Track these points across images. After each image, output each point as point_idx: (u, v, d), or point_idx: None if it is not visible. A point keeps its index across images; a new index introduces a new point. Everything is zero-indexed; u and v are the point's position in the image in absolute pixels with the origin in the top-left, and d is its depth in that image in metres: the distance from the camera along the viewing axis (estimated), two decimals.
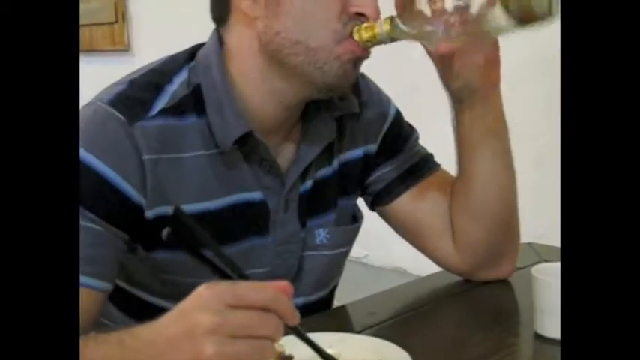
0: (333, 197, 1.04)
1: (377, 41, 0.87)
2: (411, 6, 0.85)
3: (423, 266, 1.10)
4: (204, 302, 0.64)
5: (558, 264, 0.88)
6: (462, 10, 0.82)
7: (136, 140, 0.87)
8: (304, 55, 0.89)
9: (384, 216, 1.10)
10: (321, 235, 1.01)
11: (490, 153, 0.98)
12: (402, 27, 0.86)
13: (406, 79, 1.94)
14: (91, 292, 0.84)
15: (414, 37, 0.87)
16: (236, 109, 0.91)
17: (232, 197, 0.93)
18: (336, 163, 1.03)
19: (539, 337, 0.86)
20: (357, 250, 1.12)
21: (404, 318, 0.96)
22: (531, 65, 1.77)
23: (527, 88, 1.76)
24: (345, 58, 0.89)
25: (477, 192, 1.00)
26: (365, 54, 0.90)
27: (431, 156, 1.10)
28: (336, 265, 1.05)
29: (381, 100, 1.08)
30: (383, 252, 2.09)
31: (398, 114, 1.09)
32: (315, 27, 0.88)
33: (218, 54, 0.93)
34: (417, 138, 1.11)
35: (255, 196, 0.95)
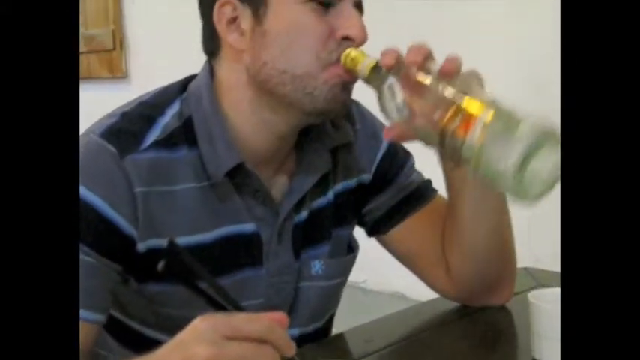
0: (327, 228, 1.03)
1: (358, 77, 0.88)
2: (408, 71, 0.83)
3: (421, 291, 1.10)
4: (201, 334, 0.64)
5: (555, 289, 0.88)
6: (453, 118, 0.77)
7: (127, 173, 0.87)
8: (291, 84, 0.90)
9: (382, 243, 1.10)
10: (317, 266, 1.01)
11: (479, 194, 0.97)
12: (383, 82, 0.85)
13: None
14: (84, 324, 0.84)
15: (382, 100, 0.85)
16: (227, 141, 0.92)
17: (224, 229, 0.93)
18: (331, 194, 1.02)
19: None
20: (355, 275, 1.12)
21: (401, 345, 0.96)
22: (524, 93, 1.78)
23: None
24: (332, 82, 0.89)
25: (466, 231, 1.00)
26: (353, 78, 0.90)
27: (428, 183, 1.09)
28: (332, 295, 1.05)
29: (375, 129, 1.08)
30: (381, 277, 2.08)
31: (392, 141, 1.08)
32: (300, 54, 0.89)
33: (209, 86, 0.94)
34: (413, 165, 1.10)
35: (248, 227, 0.94)
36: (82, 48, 2.99)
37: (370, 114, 1.09)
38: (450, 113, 0.76)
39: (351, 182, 1.05)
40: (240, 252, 0.94)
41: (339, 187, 1.03)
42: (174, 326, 0.68)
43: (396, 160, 1.08)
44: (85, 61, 3.03)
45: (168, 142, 0.91)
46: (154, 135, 0.90)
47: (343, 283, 1.07)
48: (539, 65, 1.73)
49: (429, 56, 0.83)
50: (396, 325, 1.03)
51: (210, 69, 0.95)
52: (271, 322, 0.65)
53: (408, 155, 1.10)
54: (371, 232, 1.10)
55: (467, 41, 1.88)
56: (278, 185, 0.97)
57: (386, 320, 1.06)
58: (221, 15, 0.91)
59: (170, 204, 0.90)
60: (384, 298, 2.09)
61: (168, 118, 0.92)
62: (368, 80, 0.86)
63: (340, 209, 1.04)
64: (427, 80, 0.80)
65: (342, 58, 0.87)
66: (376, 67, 0.85)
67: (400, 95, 0.82)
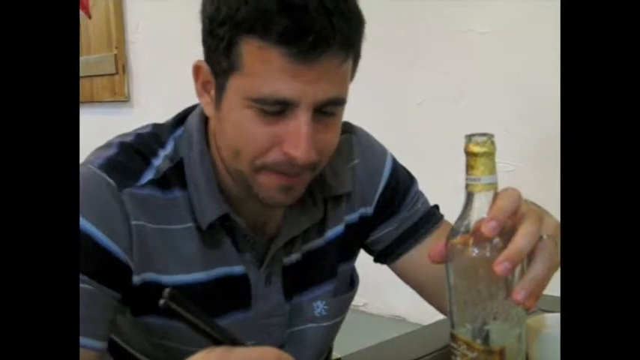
0: (330, 266, 1.03)
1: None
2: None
3: (421, 315, 1.10)
4: None
5: (555, 314, 0.89)
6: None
7: (124, 205, 0.87)
8: (235, 174, 0.89)
9: (390, 268, 1.10)
10: (319, 307, 1.00)
11: None
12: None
13: (408, 125, 1.96)
14: (85, 351, 0.84)
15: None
16: (213, 192, 0.91)
17: (215, 271, 0.93)
18: (329, 234, 1.02)
19: None
20: (355, 299, 1.12)
21: None
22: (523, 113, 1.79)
23: (522, 137, 1.78)
24: (267, 186, 0.87)
25: None
26: (293, 181, 0.86)
27: (433, 209, 1.09)
28: (335, 332, 1.05)
29: (376, 159, 1.07)
30: (382, 300, 2.08)
31: (394, 170, 1.08)
32: (240, 154, 0.86)
33: (200, 130, 0.93)
34: (417, 191, 1.09)
35: (237, 269, 0.94)
36: (85, 72, 3.01)
37: (370, 143, 1.08)
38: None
39: (353, 216, 1.04)
40: (229, 294, 0.94)
41: (337, 228, 1.02)
42: (172, 358, 0.68)
43: (399, 189, 1.07)
44: (88, 85, 3.05)
45: (162, 183, 0.90)
46: (149, 174, 0.90)
47: (344, 318, 1.07)
48: (537, 62, 1.74)
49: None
50: (397, 350, 1.03)
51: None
52: (273, 350, 0.65)
53: (411, 181, 1.09)
54: (377, 260, 1.10)
55: (462, 39, 1.89)
56: (267, 229, 0.97)
57: (387, 345, 1.06)
58: (198, 74, 0.90)
59: (164, 241, 0.90)
60: (384, 322, 2.08)
61: (161, 160, 0.92)
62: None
63: (343, 244, 1.04)
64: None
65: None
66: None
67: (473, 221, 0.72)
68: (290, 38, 0.78)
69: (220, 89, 0.86)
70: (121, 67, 2.95)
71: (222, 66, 0.84)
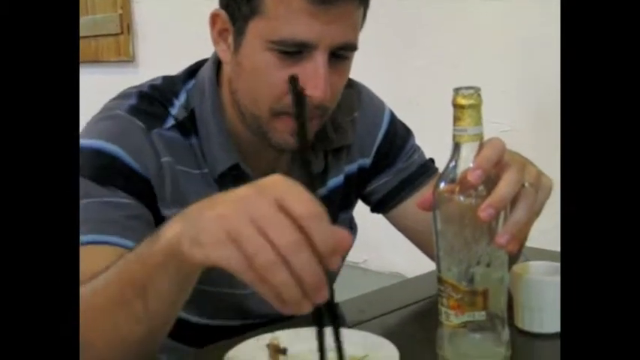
0: (330, 215, 1.06)
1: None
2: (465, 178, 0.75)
3: (420, 271, 1.13)
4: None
5: (539, 262, 0.94)
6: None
7: (155, 144, 0.92)
8: (251, 118, 0.93)
9: (386, 218, 1.14)
10: None
11: None
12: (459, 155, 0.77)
13: (408, 89, 1.98)
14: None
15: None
16: (223, 142, 0.95)
17: None
18: (330, 184, 1.06)
19: (520, 332, 0.90)
20: (355, 256, 1.16)
21: (394, 315, 1.00)
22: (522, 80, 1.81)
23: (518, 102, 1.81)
24: (282, 130, 0.91)
25: None
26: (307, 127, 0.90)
27: (429, 162, 1.12)
28: (333, 280, 1.09)
29: (374, 112, 1.11)
30: (381, 257, 2.13)
31: (391, 123, 1.12)
32: (257, 98, 0.91)
33: (212, 80, 0.97)
34: (413, 144, 1.13)
35: None
36: (90, 32, 3.03)
37: (370, 97, 1.12)
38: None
39: (352, 166, 1.08)
40: None
41: (337, 179, 1.07)
42: (205, 304, 0.70)
43: (396, 141, 1.11)
44: (93, 45, 3.06)
45: (181, 129, 0.95)
46: (171, 120, 0.95)
47: (342, 265, 1.11)
48: (537, 53, 1.77)
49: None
50: (389, 297, 1.07)
51: (217, 60, 0.98)
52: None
53: (408, 134, 1.13)
54: (373, 210, 1.14)
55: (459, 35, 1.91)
56: None
57: (380, 293, 1.10)
58: (215, 22, 0.94)
59: (188, 182, 0.95)
60: (383, 278, 2.13)
61: (177, 109, 0.96)
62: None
63: (345, 192, 1.08)
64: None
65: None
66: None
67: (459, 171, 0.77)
68: None
69: (239, 34, 0.90)
70: (125, 26, 2.96)
71: (243, 11, 0.89)
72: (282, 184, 0.61)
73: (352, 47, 0.91)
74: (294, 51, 0.87)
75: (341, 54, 0.90)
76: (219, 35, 0.94)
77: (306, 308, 0.59)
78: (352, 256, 1.16)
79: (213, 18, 0.94)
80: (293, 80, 0.65)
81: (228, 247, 0.58)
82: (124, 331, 0.73)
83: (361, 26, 0.93)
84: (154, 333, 0.76)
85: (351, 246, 0.61)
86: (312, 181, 0.64)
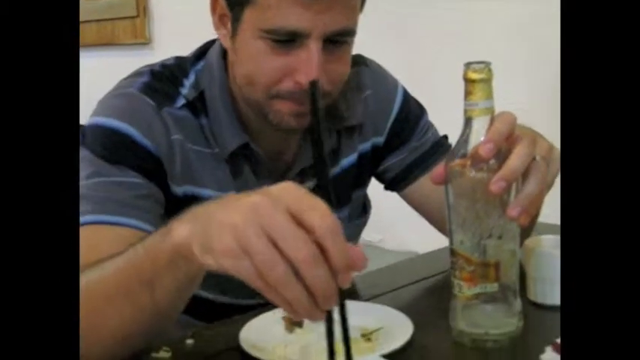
0: (344, 193, 1.07)
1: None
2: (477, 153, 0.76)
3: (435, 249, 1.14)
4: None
5: (550, 236, 0.95)
6: None
7: (165, 122, 0.93)
8: (252, 103, 0.94)
9: (400, 196, 1.14)
10: None
11: None
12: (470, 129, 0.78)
13: (422, 63, 1.98)
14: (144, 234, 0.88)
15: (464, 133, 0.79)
16: (233, 122, 0.97)
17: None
18: (344, 163, 1.06)
19: (533, 305, 0.91)
20: (371, 235, 1.17)
21: (407, 289, 1.01)
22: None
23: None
24: (281, 112, 0.92)
25: None
26: (304, 108, 0.89)
27: (442, 139, 1.13)
28: None
29: (387, 90, 1.10)
30: (397, 236, 2.14)
31: (405, 101, 1.11)
32: (254, 84, 0.92)
33: (220, 64, 0.98)
34: (427, 121, 1.13)
35: None
36: (107, 15, 3.05)
37: (382, 74, 1.12)
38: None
39: (365, 145, 1.09)
40: None
41: (345, 161, 1.07)
42: (216, 280, 0.71)
43: (409, 119, 1.11)
44: (109, 28, 3.09)
45: (192, 108, 0.96)
46: (182, 100, 0.96)
47: (357, 242, 1.12)
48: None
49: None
50: (403, 273, 1.08)
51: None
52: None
53: (422, 111, 1.13)
54: (387, 188, 1.15)
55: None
56: (284, 158, 1.02)
57: (393, 268, 1.12)
58: (215, 7, 0.95)
59: (199, 161, 0.96)
60: (399, 257, 2.14)
61: (187, 89, 0.97)
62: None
63: (359, 171, 1.09)
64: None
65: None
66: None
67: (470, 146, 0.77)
68: None
69: (236, 21, 0.91)
70: (142, 9, 2.98)
71: None
72: (294, 193, 0.59)
73: (349, 33, 0.91)
74: (286, 39, 0.87)
75: (338, 40, 0.89)
76: (219, 20, 0.95)
77: (319, 317, 0.59)
78: (368, 236, 1.17)
79: (214, 3, 0.95)
80: (312, 85, 0.64)
81: (240, 258, 0.58)
82: (128, 320, 0.74)
83: (361, 8, 0.92)
84: (159, 322, 0.78)
85: (365, 267, 0.60)
86: (324, 164, 0.62)
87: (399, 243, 2.15)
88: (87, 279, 0.74)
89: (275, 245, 0.57)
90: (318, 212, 0.57)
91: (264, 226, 0.57)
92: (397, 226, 2.03)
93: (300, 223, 0.57)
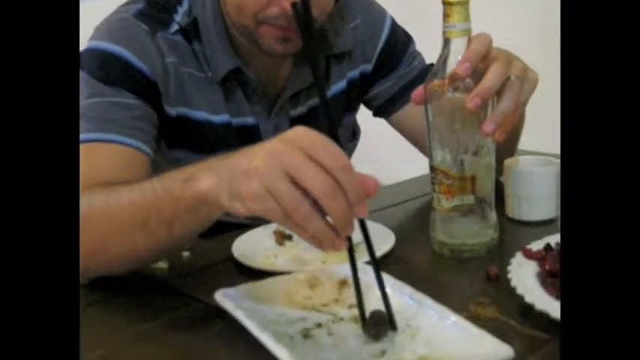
0: (335, 117, 1.11)
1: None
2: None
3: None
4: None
5: (526, 156, 0.99)
6: None
7: (159, 46, 0.97)
8: (240, 27, 0.97)
9: (388, 122, 1.19)
10: None
11: None
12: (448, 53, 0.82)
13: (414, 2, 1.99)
14: (142, 155, 0.92)
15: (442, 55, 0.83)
16: (226, 47, 1.00)
17: (233, 119, 1.03)
18: (333, 89, 1.10)
19: (510, 220, 0.96)
20: (365, 171, 1.21)
21: (391, 209, 1.06)
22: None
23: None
24: (268, 36, 0.95)
25: None
26: (291, 34, 0.93)
27: (430, 67, 1.15)
28: None
29: (375, 19, 1.13)
30: (390, 172, 2.18)
31: (392, 29, 1.15)
32: (242, 9, 0.94)
33: None
34: (414, 50, 1.17)
35: (249, 120, 1.04)
36: None
37: (371, 4, 1.15)
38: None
39: (354, 72, 1.12)
40: (243, 143, 1.03)
41: (335, 87, 1.11)
42: None
43: (397, 47, 1.15)
44: None
45: (185, 34, 1.00)
46: (175, 25, 1.00)
47: None
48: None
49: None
50: (388, 194, 1.12)
51: None
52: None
53: (409, 40, 1.17)
54: (375, 114, 1.19)
55: None
56: (277, 82, 1.06)
57: (378, 190, 1.16)
58: None
59: (193, 84, 1.00)
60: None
61: (180, 15, 1.01)
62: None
63: (348, 98, 1.13)
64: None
65: None
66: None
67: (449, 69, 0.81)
68: None
69: None
70: None
71: None
72: (307, 136, 0.64)
73: None
74: None
75: None
76: None
77: (341, 246, 0.64)
78: (361, 169, 1.20)
79: None
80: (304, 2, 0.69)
81: (268, 201, 0.63)
82: (141, 248, 0.78)
83: None
84: (172, 251, 0.84)
85: (376, 192, 0.65)
86: (320, 84, 0.67)
87: (392, 178, 2.19)
88: (99, 202, 0.78)
89: (296, 184, 0.62)
90: (330, 151, 0.62)
91: (285, 167, 0.62)
92: (390, 161, 2.07)
93: (316, 162, 0.62)
